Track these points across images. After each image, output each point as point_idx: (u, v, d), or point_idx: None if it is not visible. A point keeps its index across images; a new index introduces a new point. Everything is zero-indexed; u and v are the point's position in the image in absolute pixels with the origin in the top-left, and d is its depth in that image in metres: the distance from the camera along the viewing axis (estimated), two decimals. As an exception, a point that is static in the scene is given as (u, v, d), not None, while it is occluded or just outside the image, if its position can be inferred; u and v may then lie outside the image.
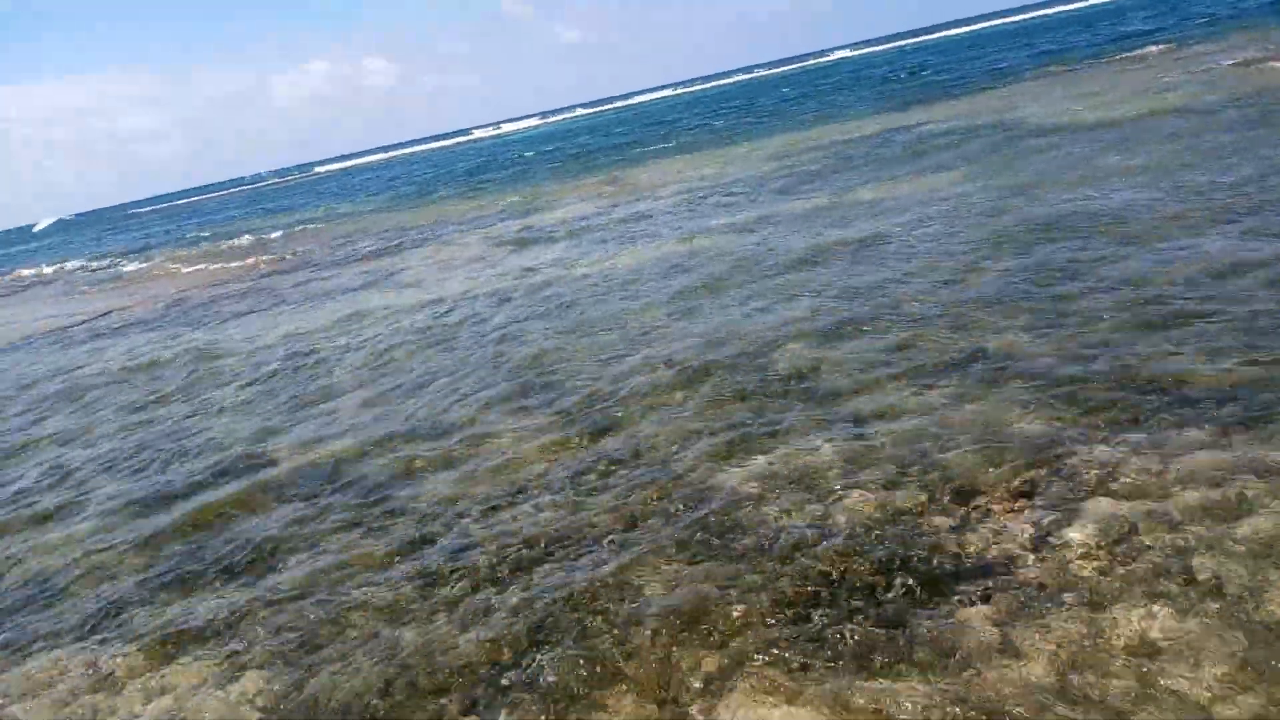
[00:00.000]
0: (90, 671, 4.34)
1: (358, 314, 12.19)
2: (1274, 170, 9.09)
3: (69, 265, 35.09)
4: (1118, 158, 11.56)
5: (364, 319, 11.71)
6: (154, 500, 6.48)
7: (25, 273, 36.39)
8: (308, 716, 3.69)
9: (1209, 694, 2.83)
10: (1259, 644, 2.97)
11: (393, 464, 6.17)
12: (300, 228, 31.27)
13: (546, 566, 4.42)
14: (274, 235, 30.05)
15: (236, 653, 4.24)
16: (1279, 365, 4.82)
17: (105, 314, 18.02)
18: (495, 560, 4.57)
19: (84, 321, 17.52)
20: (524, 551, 4.60)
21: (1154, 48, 26.00)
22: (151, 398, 9.70)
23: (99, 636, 4.67)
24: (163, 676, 4.18)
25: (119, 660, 4.38)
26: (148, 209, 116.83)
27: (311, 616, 4.41)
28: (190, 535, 5.73)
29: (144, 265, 28.69)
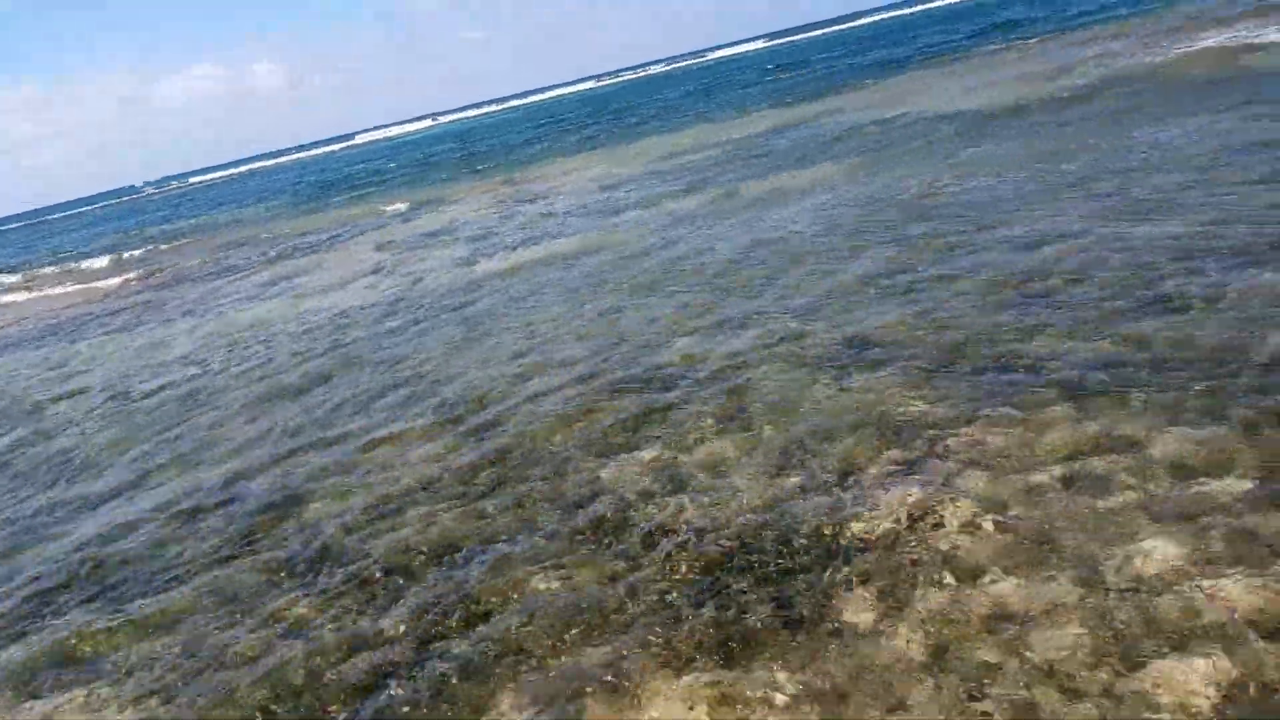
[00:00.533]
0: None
1: (237, 327, 11.84)
2: (1130, 153, 9.59)
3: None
4: (987, 146, 12.04)
5: (242, 332, 11.37)
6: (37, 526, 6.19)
7: None
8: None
9: (1068, 659, 2.97)
10: (1116, 609, 3.13)
11: (279, 479, 6.01)
12: (182, 239, 30.16)
13: (437, 572, 4.37)
14: (149, 249, 28.90)
15: (113, 682, 4.07)
16: (1132, 340, 5.08)
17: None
18: (385, 569, 4.50)
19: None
20: (413, 558, 4.54)
21: (1033, 40, 27.12)
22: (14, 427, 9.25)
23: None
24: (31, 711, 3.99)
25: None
26: (17, 224, 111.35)
27: (196, 638, 4.27)
28: (71, 558, 5.48)
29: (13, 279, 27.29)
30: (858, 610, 3.42)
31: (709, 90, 44.70)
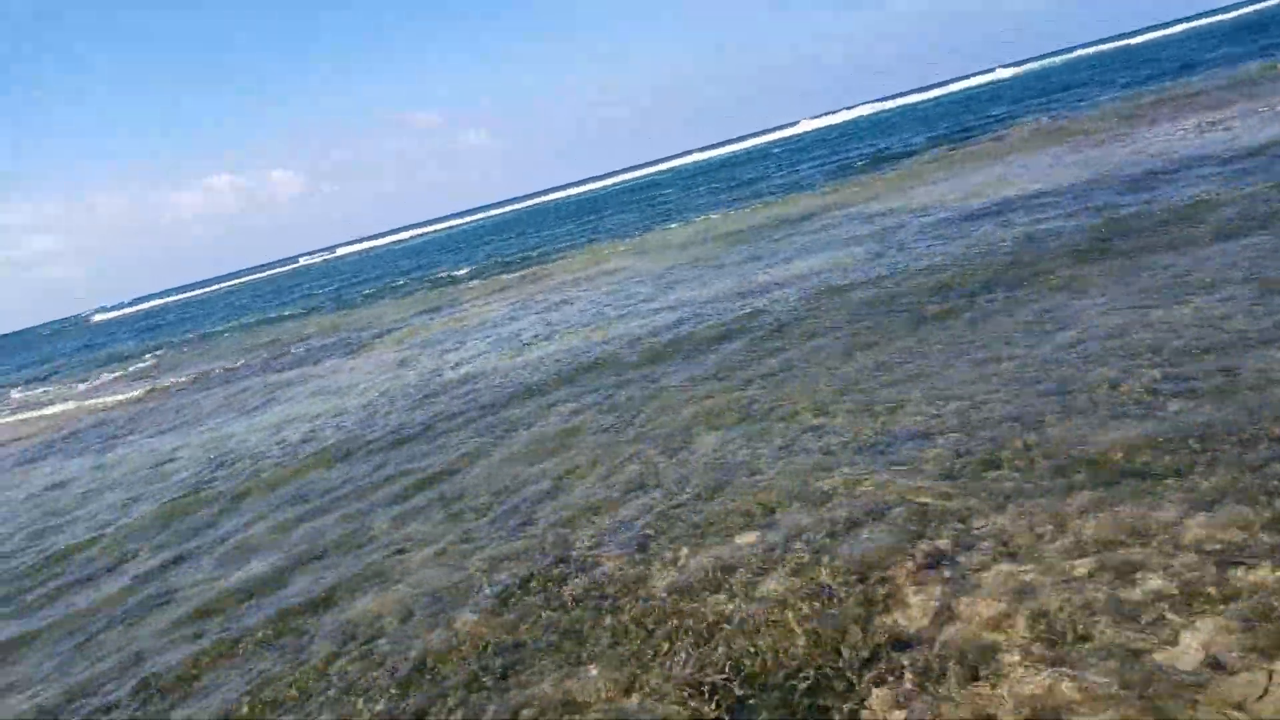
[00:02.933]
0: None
1: (257, 429, 11.95)
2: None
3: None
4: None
5: (266, 433, 11.48)
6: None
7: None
8: None
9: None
10: (1158, 701, 3.08)
11: (310, 585, 6.01)
12: (212, 340, 30.66)
13: (475, 686, 4.33)
14: (184, 351, 29.39)
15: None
16: (1161, 428, 5.08)
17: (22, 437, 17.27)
18: (412, 676, 4.47)
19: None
20: (443, 669, 4.52)
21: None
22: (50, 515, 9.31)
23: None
24: None
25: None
26: (48, 331, 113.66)
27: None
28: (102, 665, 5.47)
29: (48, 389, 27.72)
30: (886, 708, 3.37)
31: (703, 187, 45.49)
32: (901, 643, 3.74)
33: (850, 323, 9.21)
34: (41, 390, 28.96)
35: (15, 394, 29.90)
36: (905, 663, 3.60)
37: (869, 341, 8.33)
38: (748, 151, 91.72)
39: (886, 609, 3.99)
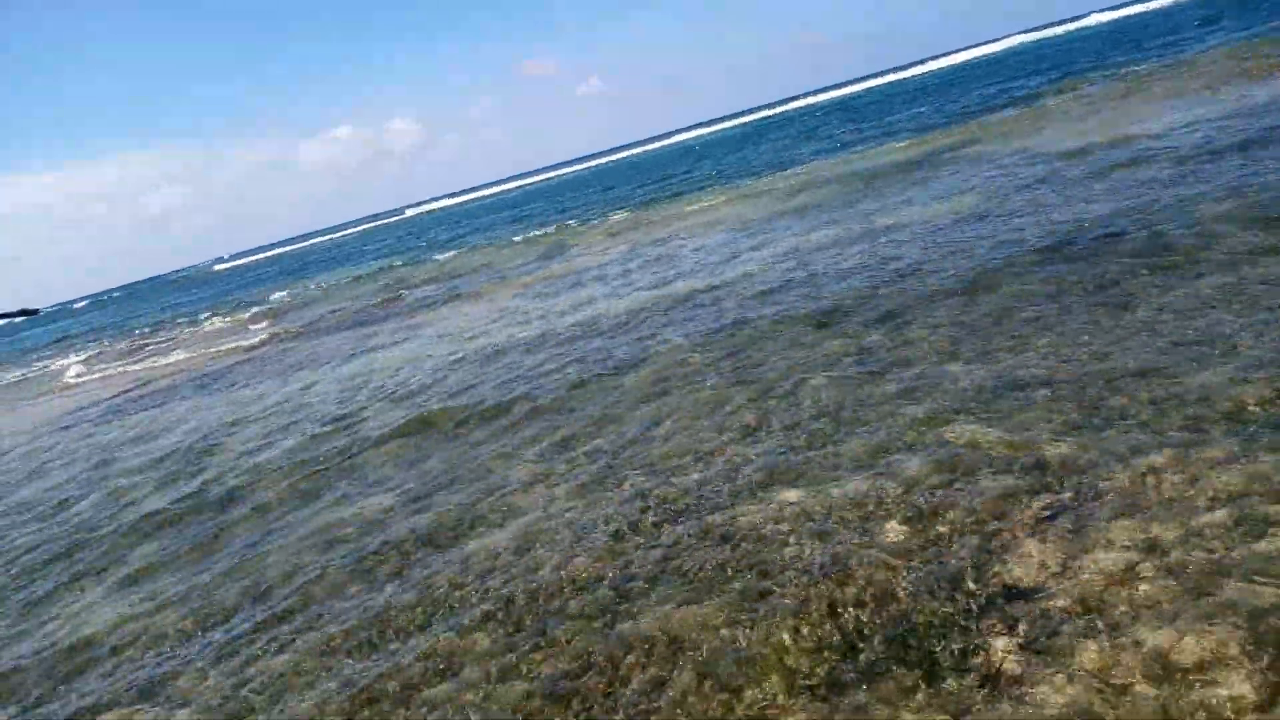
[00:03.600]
0: None
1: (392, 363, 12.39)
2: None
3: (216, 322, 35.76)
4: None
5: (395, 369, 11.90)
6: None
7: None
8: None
9: (1234, 713, 2.82)
10: (1288, 659, 2.96)
11: (430, 520, 6.26)
12: (343, 280, 31.83)
13: (580, 614, 4.46)
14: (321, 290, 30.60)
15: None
16: (1300, 376, 4.81)
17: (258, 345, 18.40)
18: (542, 603, 4.63)
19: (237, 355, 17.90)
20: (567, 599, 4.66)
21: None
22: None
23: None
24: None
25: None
26: (176, 277, 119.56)
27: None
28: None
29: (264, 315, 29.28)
30: (1003, 660, 3.34)
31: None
32: (1019, 594, 3.68)
33: (975, 268, 8.94)
34: (169, 336, 30.64)
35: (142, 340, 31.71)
36: (1022, 614, 3.54)
37: (992, 284, 8.08)
38: (867, 91, 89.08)
39: (1004, 560, 3.93)
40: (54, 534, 8.61)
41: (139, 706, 4.77)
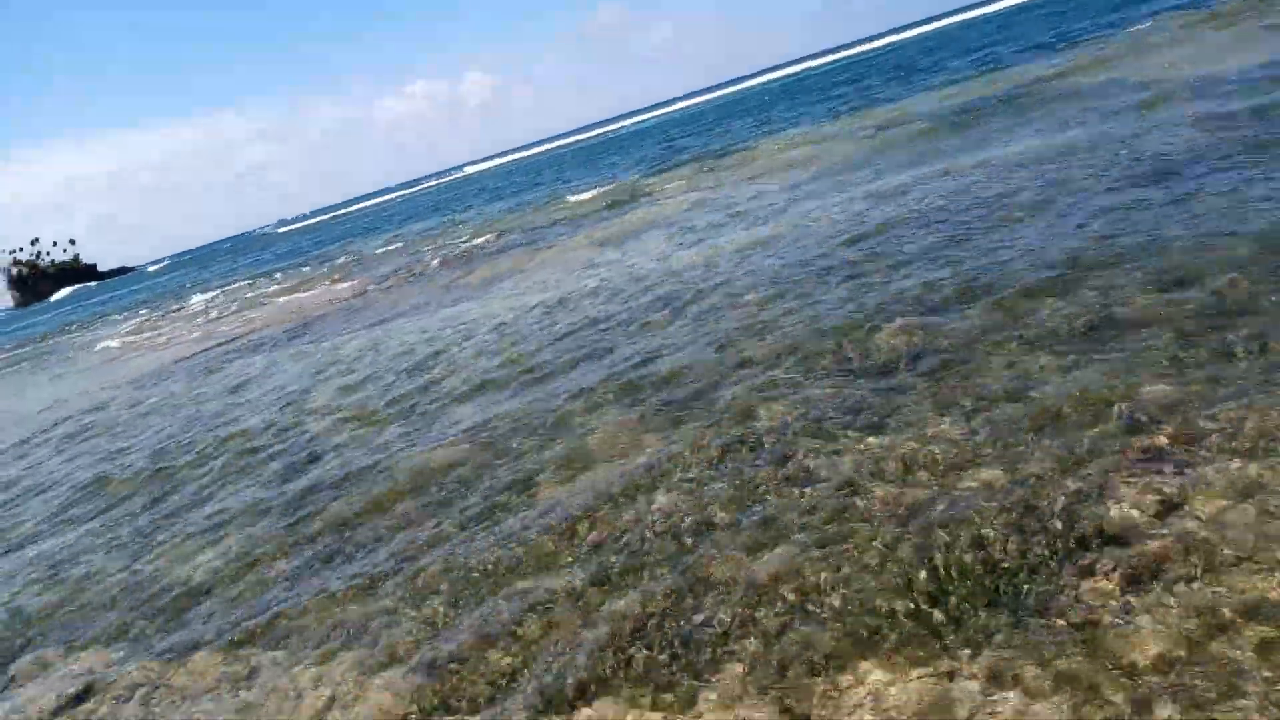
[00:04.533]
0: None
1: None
2: None
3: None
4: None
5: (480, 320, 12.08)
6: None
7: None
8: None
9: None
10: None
11: (513, 464, 6.38)
12: (434, 232, 32.31)
13: (669, 556, 4.52)
14: (407, 241, 31.10)
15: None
16: None
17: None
18: (631, 550, 4.71)
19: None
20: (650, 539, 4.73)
21: None
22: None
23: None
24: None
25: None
26: (283, 230, 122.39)
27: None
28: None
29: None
30: (1100, 603, 3.28)
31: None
32: (1114, 537, 3.60)
33: (1055, 200, 8.65)
34: (259, 287, 31.50)
35: (262, 289, 32.64)
36: (1118, 558, 3.47)
37: (1079, 222, 7.82)
38: (942, 30, 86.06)
39: (1100, 502, 3.84)
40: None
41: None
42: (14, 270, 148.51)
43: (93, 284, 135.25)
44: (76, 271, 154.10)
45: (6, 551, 8.18)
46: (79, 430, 13.31)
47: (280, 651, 4.78)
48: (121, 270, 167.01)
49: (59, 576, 6.97)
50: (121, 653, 5.36)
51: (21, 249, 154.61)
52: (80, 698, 4.98)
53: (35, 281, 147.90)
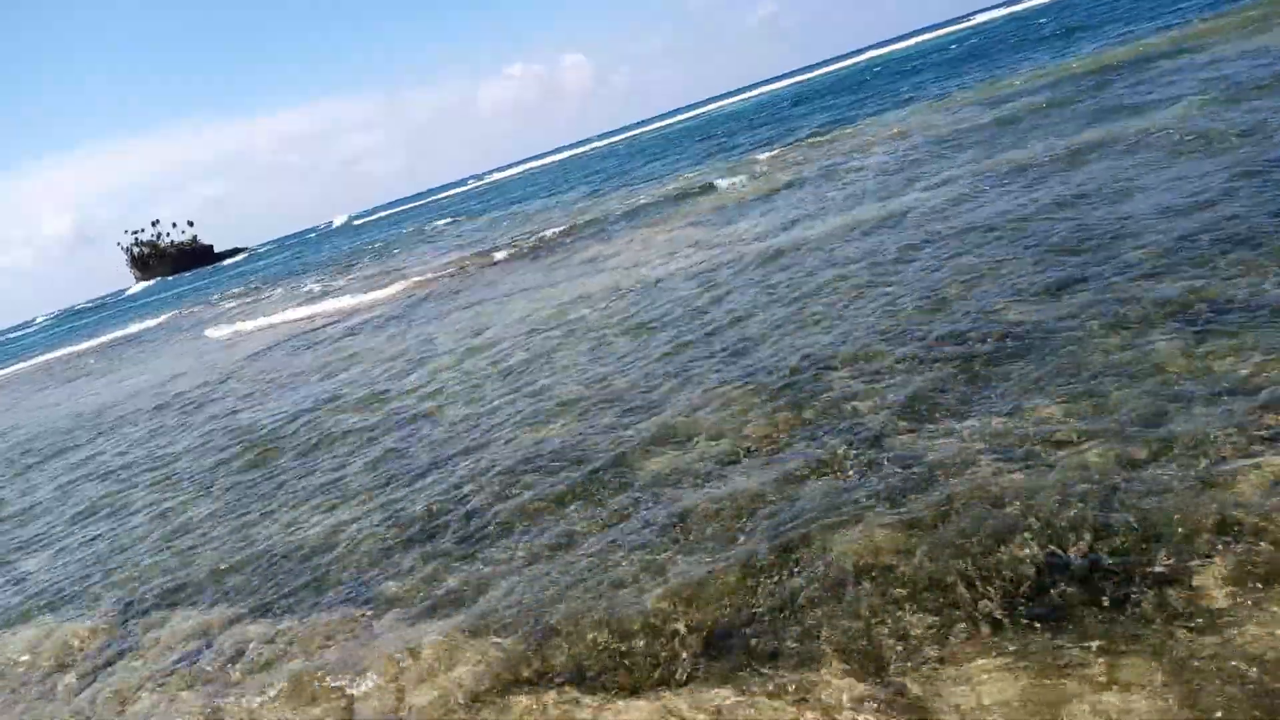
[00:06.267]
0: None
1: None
2: None
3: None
4: None
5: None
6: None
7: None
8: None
9: None
10: None
11: (608, 440, 6.45)
12: (548, 210, 32.76)
13: (756, 527, 4.52)
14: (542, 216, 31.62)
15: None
16: None
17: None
18: (711, 522, 4.73)
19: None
20: (742, 506, 4.74)
21: None
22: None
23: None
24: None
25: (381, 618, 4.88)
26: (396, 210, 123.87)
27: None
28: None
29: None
30: (1217, 593, 3.15)
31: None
32: (1231, 524, 3.45)
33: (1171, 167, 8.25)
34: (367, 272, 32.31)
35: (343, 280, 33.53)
36: (1232, 546, 3.33)
37: (1199, 190, 7.46)
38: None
39: (1216, 488, 3.68)
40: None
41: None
42: (135, 250, 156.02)
43: (210, 266, 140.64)
44: (194, 252, 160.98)
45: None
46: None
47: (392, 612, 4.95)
48: (235, 251, 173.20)
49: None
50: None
51: (143, 229, 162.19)
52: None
53: (155, 261, 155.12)
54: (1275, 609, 2.99)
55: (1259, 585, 3.12)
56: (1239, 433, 4.01)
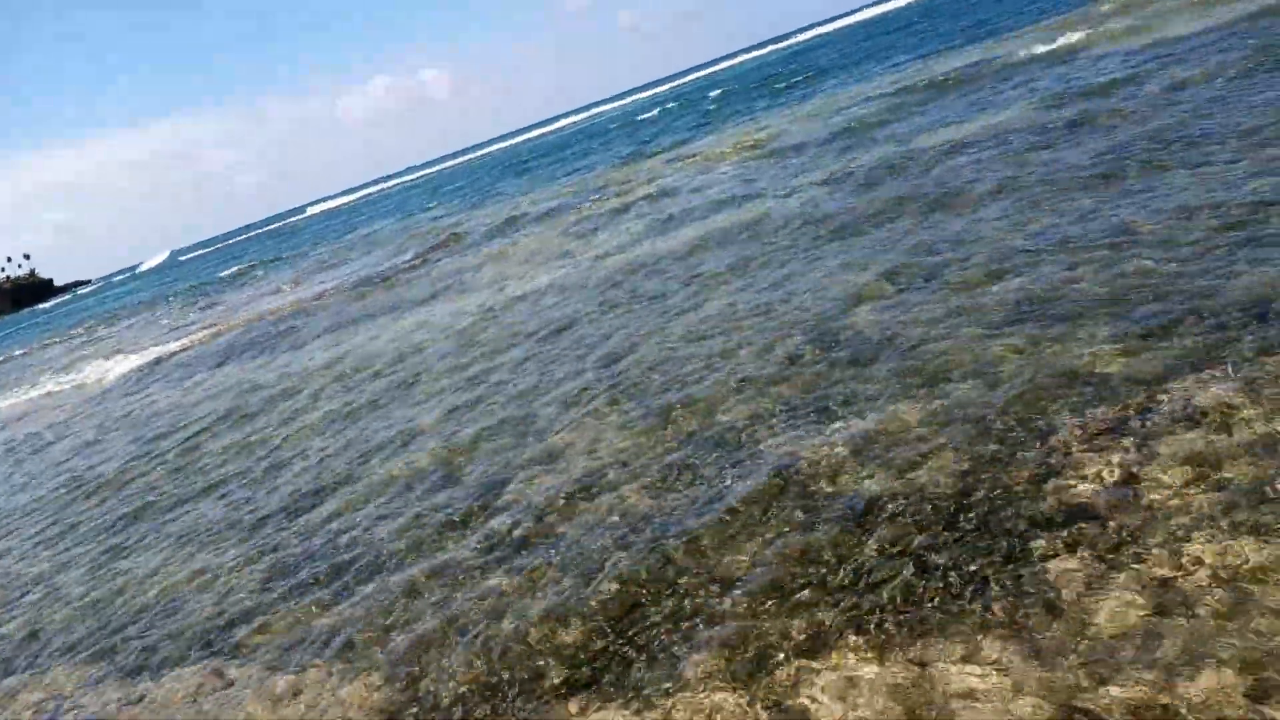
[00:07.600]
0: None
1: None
2: None
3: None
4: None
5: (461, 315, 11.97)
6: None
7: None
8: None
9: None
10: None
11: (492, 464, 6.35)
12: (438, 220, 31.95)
13: (639, 540, 4.53)
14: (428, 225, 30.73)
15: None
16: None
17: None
18: (597, 546, 4.71)
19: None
20: (620, 529, 4.73)
21: None
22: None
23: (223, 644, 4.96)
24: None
25: (239, 670, 4.66)
26: (247, 234, 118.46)
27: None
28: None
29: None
30: (1065, 578, 3.31)
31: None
32: (1077, 508, 3.65)
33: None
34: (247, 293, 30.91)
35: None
36: (1081, 528, 3.52)
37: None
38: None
39: (1062, 475, 3.89)
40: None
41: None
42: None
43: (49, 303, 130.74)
44: (33, 287, 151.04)
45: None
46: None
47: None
48: (80, 284, 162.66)
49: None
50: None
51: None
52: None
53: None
54: (1119, 591, 3.16)
55: (1106, 569, 3.29)
56: (1082, 420, 4.24)
